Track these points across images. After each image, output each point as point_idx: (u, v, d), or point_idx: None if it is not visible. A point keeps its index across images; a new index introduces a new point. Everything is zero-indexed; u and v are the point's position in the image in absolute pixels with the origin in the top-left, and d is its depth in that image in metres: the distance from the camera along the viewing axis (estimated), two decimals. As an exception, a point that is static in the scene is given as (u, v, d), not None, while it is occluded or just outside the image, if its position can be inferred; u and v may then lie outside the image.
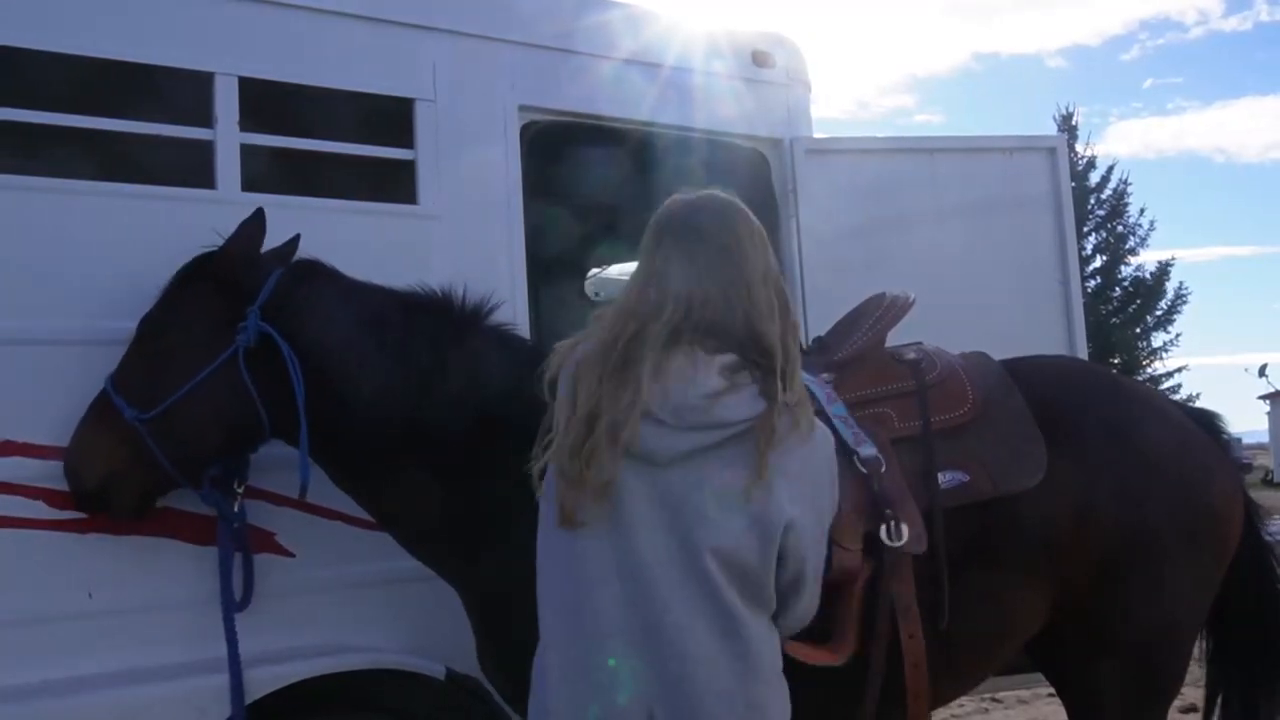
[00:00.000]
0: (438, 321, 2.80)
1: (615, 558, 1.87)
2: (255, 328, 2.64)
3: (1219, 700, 3.19)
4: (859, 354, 2.85)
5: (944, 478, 2.69)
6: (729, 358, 1.91)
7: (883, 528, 2.50)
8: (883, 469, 2.57)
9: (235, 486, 2.81)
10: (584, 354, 1.95)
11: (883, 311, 2.91)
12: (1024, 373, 2.98)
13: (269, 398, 2.66)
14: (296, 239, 2.91)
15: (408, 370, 2.70)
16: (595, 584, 1.87)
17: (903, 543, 2.51)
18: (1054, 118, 35.50)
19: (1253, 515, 3.11)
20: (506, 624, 2.71)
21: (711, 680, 1.85)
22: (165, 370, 2.64)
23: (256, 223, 2.74)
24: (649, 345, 1.89)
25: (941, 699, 2.93)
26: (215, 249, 2.75)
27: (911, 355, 2.90)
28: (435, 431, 2.69)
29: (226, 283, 2.71)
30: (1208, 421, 3.14)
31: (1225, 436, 3.16)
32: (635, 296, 1.97)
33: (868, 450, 2.58)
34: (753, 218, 2.07)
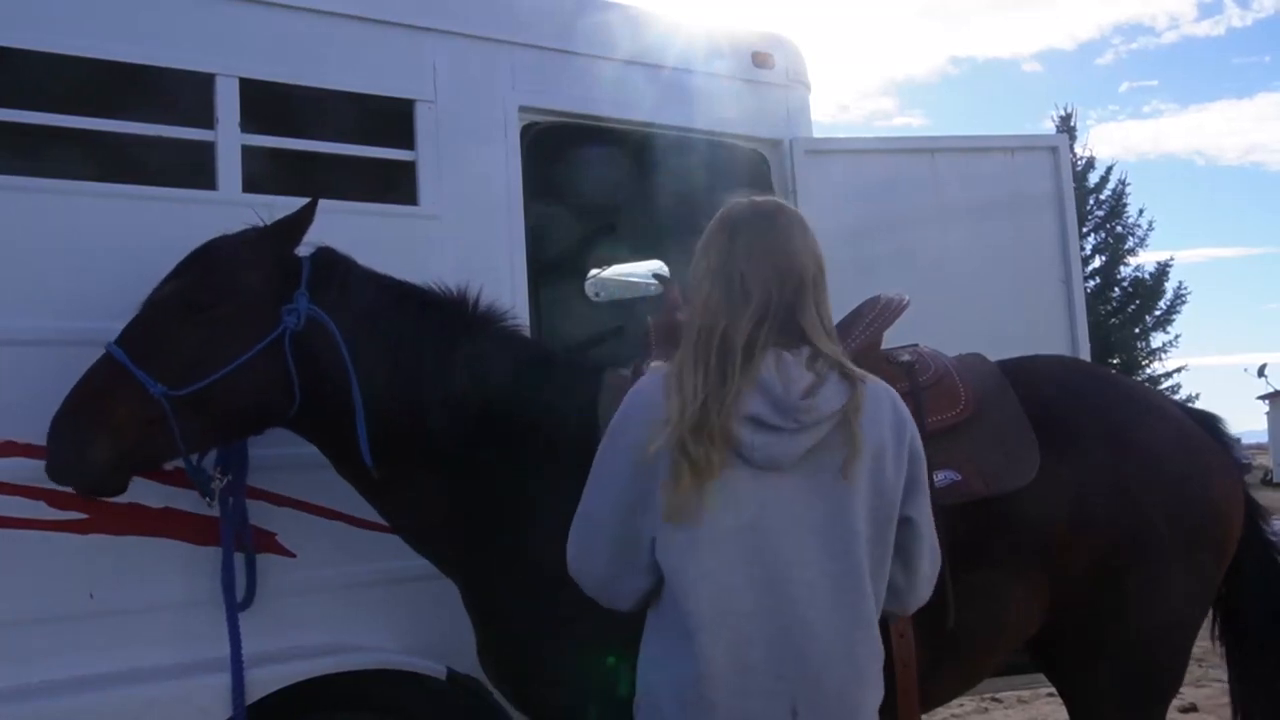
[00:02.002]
0: (454, 320, 2.80)
1: (749, 564, 1.90)
2: (305, 310, 2.61)
3: (1242, 703, 3.18)
4: (853, 356, 2.85)
5: (936, 477, 2.70)
6: (805, 351, 1.98)
7: None
8: None
9: (216, 476, 2.77)
10: (680, 357, 1.99)
11: (877, 314, 2.91)
12: (1022, 373, 2.99)
13: (304, 382, 2.63)
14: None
15: (423, 365, 2.71)
16: (729, 590, 1.89)
17: None
18: (1053, 118, 35.59)
19: (1255, 515, 3.11)
20: (506, 621, 2.72)
21: (846, 679, 1.92)
22: (205, 347, 2.55)
23: (311, 212, 2.72)
24: (743, 344, 1.94)
25: (937, 698, 2.93)
26: (259, 229, 2.72)
27: (906, 357, 2.90)
28: (442, 428, 2.70)
29: (281, 263, 2.67)
30: (1208, 422, 3.15)
31: (1226, 437, 3.16)
32: (718, 294, 1.99)
33: None
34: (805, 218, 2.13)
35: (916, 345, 2.97)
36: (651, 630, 2.02)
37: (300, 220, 2.71)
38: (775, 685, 1.88)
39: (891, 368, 2.87)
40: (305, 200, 2.75)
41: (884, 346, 2.95)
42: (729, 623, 1.88)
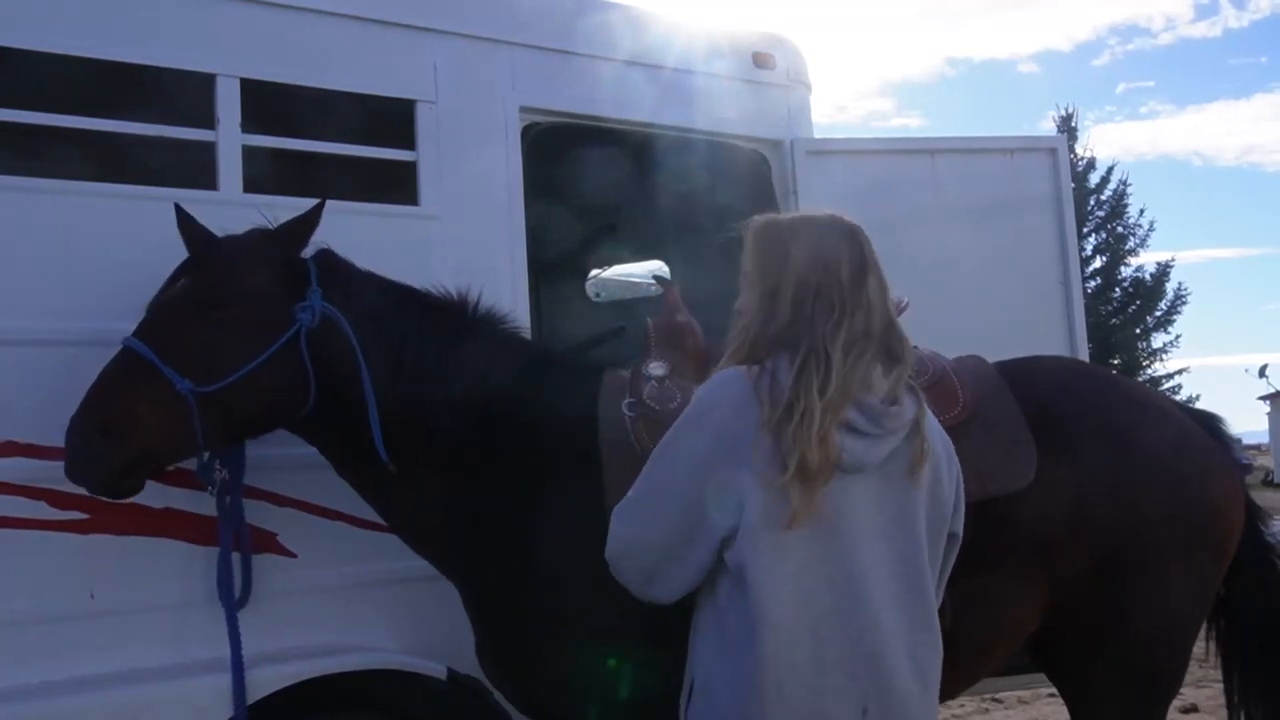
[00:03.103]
0: (454, 322, 2.81)
1: (827, 564, 1.93)
2: (320, 308, 2.63)
3: (1237, 703, 3.18)
4: None
5: None
6: (881, 358, 2.02)
7: None
8: None
9: (218, 468, 2.78)
10: (768, 361, 1.99)
11: None
12: (1021, 374, 2.98)
13: (320, 379, 2.64)
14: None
15: (422, 366, 2.71)
16: (809, 590, 1.92)
17: None
18: (1053, 118, 35.63)
19: (1254, 516, 3.11)
20: (507, 622, 2.72)
21: (911, 681, 1.97)
22: (228, 343, 2.56)
23: (319, 212, 2.73)
24: (839, 351, 1.96)
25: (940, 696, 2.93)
26: (272, 229, 2.73)
27: None
28: (444, 428, 2.70)
29: (290, 263, 2.69)
30: (1208, 422, 3.14)
31: (1226, 437, 3.16)
32: (806, 300, 2.01)
33: None
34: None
35: (915, 347, 2.97)
36: (712, 626, 2.01)
37: (308, 221, 2.73)
38: (848, 684, 1.91)
39: None
40: (307, 201, 2.75)
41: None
42: (808, 623, 1.91)
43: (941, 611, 2.64)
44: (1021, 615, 2.83)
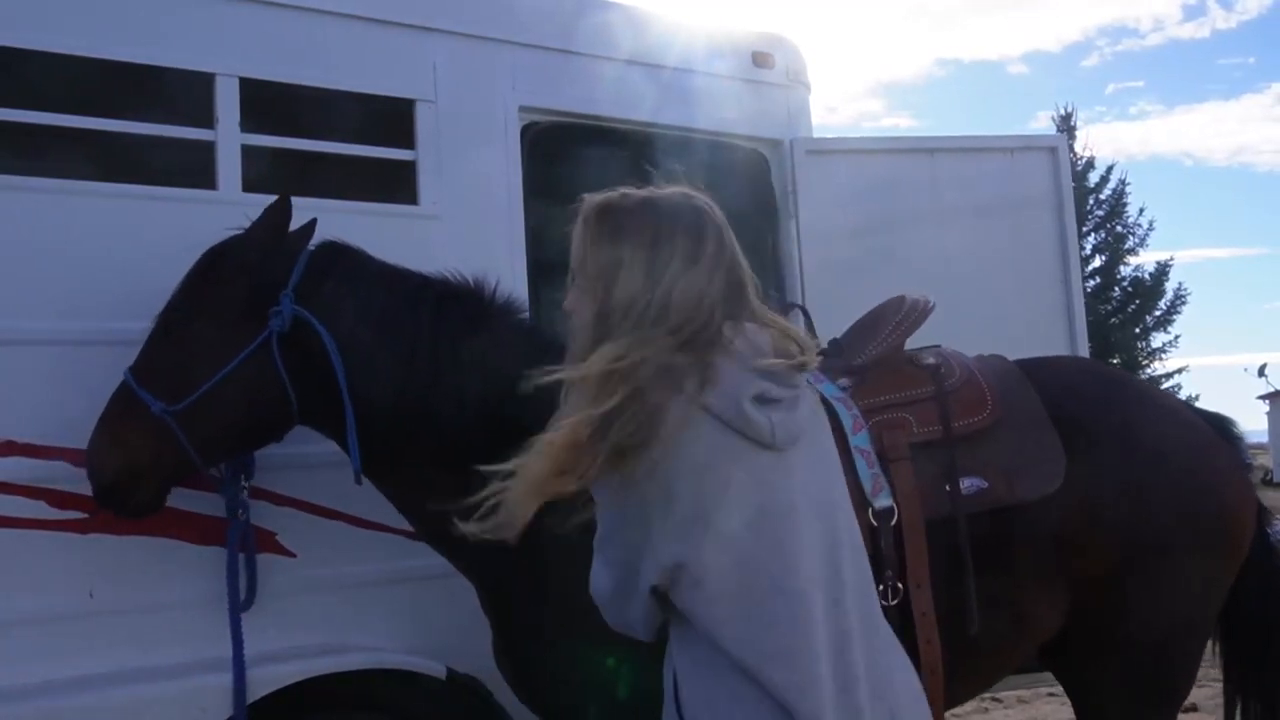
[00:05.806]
0: (469, 314, 2.76)
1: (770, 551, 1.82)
2: (290, 312, 2.61)
3: (1238, 704, 3.18)
4: (878, 359, 2.85)
5: (964, 484, 2.68)
6: (752, 319, 1.91)
7: (880, 586, 2.44)
8: (892, 521, 2.58)
9: (243, 482, 2.81)
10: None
11: (903, 316, 2.90)
12: (1035, 374, 2.97)
13: (301, 384, 2.63)
14: (313, 223, 2.84)
15: (436, 362, 2.67)
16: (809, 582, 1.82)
17: (893, 603, 2.53)
18: (1053, 117, 35.61)
19: (1261, 517, 3.10)
20: (525, 622, 2.69)
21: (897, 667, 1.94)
22: (193, 360, 2.59)
23: (282, 209, 2.72)
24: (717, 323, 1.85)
25: (958, 700, 2.92)
26: (239, 234, 2.73)
27: (930, 360, 2.88)
28: (456, 425, 2.65)
29: (254, 268, 2.68)
30: (1220, 424, 3.13)
31: (1237, 439, 3.15)
32: (707, 279, 1.87)
33: (882, 502, 2.59)
34: None
35: (939, 347, 2.95)
36: (706, 660, 1.87)
37: (270, 221, 2.71)
38: (841, 698, 1.82)
39: (916, 370, 2.85)
40: (308, 201, 2.74)
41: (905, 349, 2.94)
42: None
43: (966, 617, 2.64)
44: (1043, 617, 2.81)
